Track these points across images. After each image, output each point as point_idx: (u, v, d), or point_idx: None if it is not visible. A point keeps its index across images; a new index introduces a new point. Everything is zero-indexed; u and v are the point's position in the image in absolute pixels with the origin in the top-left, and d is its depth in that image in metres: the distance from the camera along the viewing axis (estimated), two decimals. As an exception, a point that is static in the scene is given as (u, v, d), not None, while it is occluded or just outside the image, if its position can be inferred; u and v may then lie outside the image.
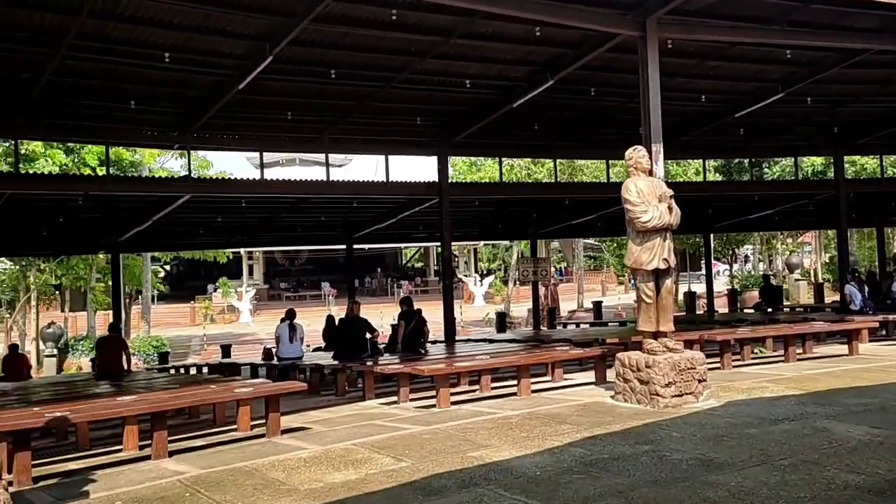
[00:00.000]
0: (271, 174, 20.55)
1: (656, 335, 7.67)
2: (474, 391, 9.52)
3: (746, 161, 26.02)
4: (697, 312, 24.17)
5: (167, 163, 29.04)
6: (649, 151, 8.01)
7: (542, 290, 26.07)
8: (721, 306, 26.17)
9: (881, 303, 16.72)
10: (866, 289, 16.60)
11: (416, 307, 13.46)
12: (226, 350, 20.30)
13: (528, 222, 21.75)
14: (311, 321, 20.62)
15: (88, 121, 12.73)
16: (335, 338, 13.72)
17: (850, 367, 9.58)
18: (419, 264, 53.11)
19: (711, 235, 26.90)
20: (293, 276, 47.92)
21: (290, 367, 12.34)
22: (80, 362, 24.76)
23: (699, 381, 7.48)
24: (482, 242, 43.84)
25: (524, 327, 27.84)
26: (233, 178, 21.86)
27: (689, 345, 9.85)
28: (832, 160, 19.88)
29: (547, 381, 9.83)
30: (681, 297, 26.44)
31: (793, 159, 23.64)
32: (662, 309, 7.66)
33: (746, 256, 49.20)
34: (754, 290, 28.87)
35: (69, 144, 21.08)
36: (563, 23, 9.27)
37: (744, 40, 11.01)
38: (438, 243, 19.19)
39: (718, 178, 28.56)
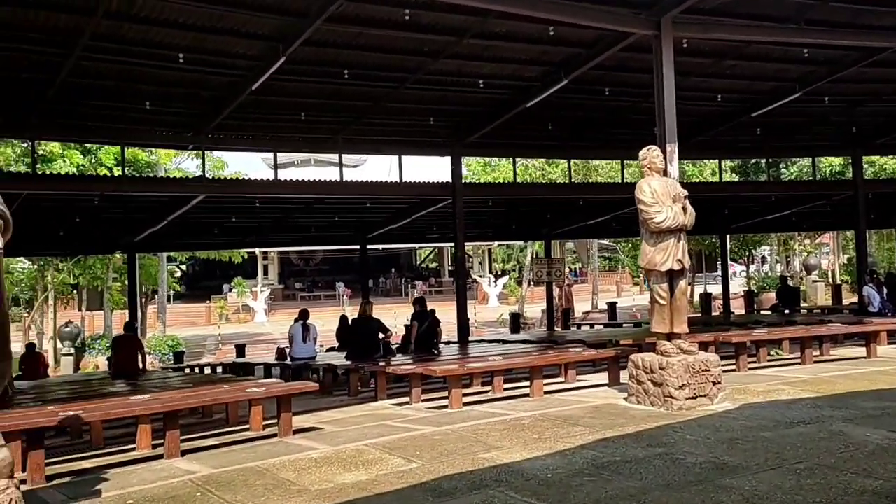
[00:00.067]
0: (286, 175, 20.55)
1: (670, 337, 7.60)
2: (487, 392, 9.49)
3: (763, 161, 25.80)
4: (713, 314, 24.03)
5: (183, 163, 29.21)
6: (664, 151, 7.95)
7: (556, 291, 26.05)
8: (738, 308, 26.05)
9: (900, 305, 16.50)
10: (885, 290, 16.37)
11: (429, 307, 13.47)
12: (240, 350, 20.46)
13: (542, 223, 21.69)
14: (326, 321, 20.69)
15: (103, 121, 12.80)
16: (348, 338, 13.73)
17: (867, 370, 9.46)
18: (434, 265, 53.12)
19: (728, 236, 26.75)
20: (308, 277, 48.10)
21: (303, 367, 12.38)
22: (97, 361, 25.01)
23: (714, 384, 7.40)
24: (496, 243, 43.80)
25: (538, 328, 27.79)
26: (247, 178, 21.97)
27: (703, 346, 9.77)
28: (850, 160, 19.69)
29: (560, 383, 9.77)
30: (697, 298, 26.32)
31: (810, 159, 23.43)
32: (676, 310, 7.59)
33: (763, 258, 48.77)
34: (771, 292, 28.68)
35: (86, 145, 21.28)
36: (578, 22, 9.23)
37: (760, 39, 10.89)
38: (452, 244, 19.18)
39: (735, 178, 28.39)
